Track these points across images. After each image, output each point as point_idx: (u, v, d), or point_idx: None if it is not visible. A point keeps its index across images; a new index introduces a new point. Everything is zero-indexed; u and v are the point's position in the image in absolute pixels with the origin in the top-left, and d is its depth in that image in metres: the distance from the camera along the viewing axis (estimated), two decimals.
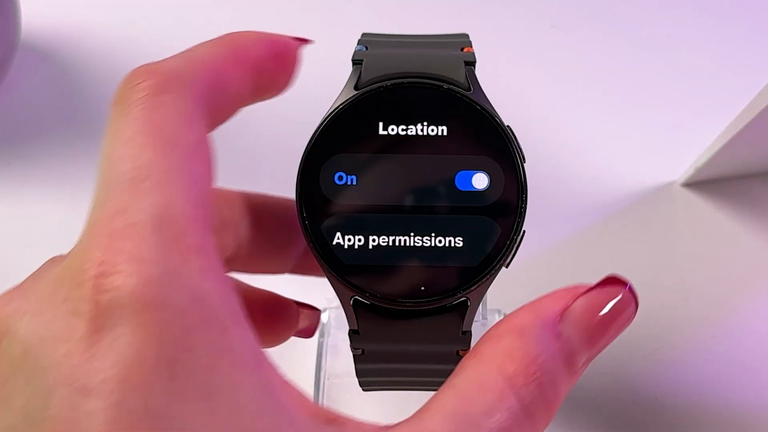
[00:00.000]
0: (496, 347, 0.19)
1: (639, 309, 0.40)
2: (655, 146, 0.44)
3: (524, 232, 0.22)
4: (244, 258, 0.25)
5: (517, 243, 0.22)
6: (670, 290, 0.39)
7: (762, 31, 0.48)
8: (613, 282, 0.20)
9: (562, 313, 0.20)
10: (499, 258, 0.21)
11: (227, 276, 0.17)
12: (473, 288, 0.21)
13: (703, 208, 0.41)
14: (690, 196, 0.42)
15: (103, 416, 0.14)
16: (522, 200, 0.22)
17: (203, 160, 0.18)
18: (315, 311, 0.28)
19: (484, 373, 0.18)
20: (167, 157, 0.17)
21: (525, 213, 0.22)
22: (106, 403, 0.14)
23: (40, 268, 0.18)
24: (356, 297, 0.22)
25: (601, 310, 0.20)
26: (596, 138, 0.44)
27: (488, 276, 0.21)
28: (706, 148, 0.40)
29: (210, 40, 0.21)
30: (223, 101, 0.20)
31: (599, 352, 0.20)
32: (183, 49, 0.21)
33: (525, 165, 0.22)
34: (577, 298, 0.20)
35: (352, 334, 0.22)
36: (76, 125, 0.45)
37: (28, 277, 0.18)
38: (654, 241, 0.41)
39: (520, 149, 0.22)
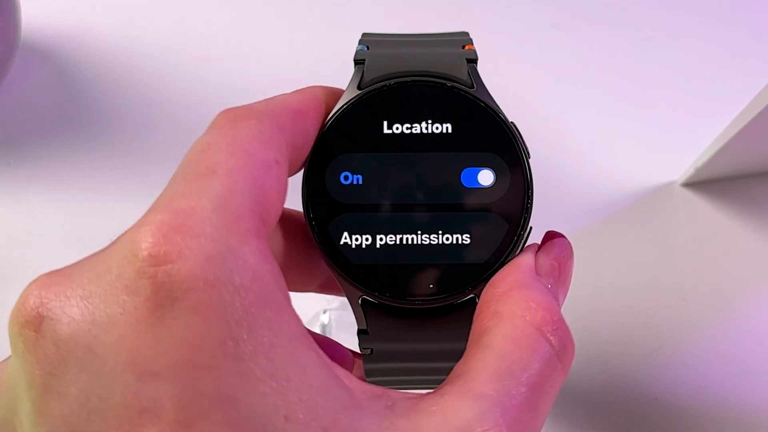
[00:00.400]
0: (511, 303, 0.20)
1: (639, 309, 0.40)
2: (655, 146, 0.44)
3: (531, 227, 0.22)
4: None
5: (525, 238, 0.22)
6: (670, 290, 0.39)
7: (762, 31, 0.48)
8: (553, 235, 0.22)
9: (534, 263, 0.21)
10: (507, 254, 0.22)
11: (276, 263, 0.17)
12: (482, 285, 0.21)
13: (703, 208, 0.42)
14: (690, 196, 0.42)
15: (173, 402, 0.13)
16: (528, 196, 0.22)
17: (272, 175, 0.18)
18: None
19: (515, 328, 0.19)
20: (237, 161, 0.17)
21: (532, 208, 0.22)
22: (175, 388, 0.14)
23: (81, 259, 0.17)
24: (364, 296, 0.22)
25: (557, 259, 0.21)
26: (596, 138, 0.44)
27: (496, 273, 0.22)
28: (706, 148, 0.40)
29: (293, 91, 0.22)
30: (303, 139, 0.21)
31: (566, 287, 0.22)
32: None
33: (530, 161, 0.22)
34: (536, 254, 0.21)
35: (361, 333, 0.22)
36: (76, 125, 0.45)
37: (68, 265, 0.17)
38: (654, 241, 0.41)
39: (525, 145, 0.22)
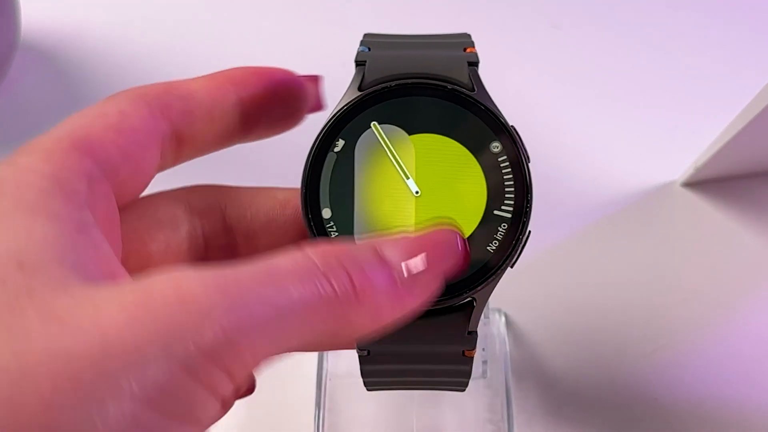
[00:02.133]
0: (305, 246, 0.19)
1: (639, 309, 0.40)
2: (655, 146, 0.44)
3: (530, 232, 0.22)
4: (239, 245, 0.25)
5: (523, 243, 0.22)
6: (670, 290, 0.39)
7: (762, 31, 0.48)
8: (443, 229, 0.21)
9: (388, 243, 0.20)
10: (505, 258, 0.22)
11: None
12: (479, 288, 0.21)
13: (703, 208, 0.42)
14: (690, 196, 0.42)
15: None
16: (527, 200, 0.22)
17: (107, 120, 0.21)
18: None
19: (289, 254, 0.18)
20: (68, 120, 0.20)
21: (530, 212, 0.22)
22: None
23: None
24: None
25: (425, 244, 0.20)
26: (596, 138, 0.44)
27: (494, 276, 0.22)
28: (706, 148, 0.40)
29: (203, 76, 0.23)
30: (183, 104, 0.22)
31: (424, 283, 0.20)
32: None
33: (530, 164, 0.22)
34: (407, 235, 0.20)
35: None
36: None
37: None
38: (654, 241, 0.41)
39: (525, 149, 0.22)
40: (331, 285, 0.17)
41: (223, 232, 0.25)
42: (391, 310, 0.19)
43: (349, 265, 0.18)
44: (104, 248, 0.18)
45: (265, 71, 0.23)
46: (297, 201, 0.26)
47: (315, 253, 0.18)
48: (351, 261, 0.18)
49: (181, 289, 0.16)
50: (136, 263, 0.22)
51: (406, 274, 0.19)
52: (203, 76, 0.23)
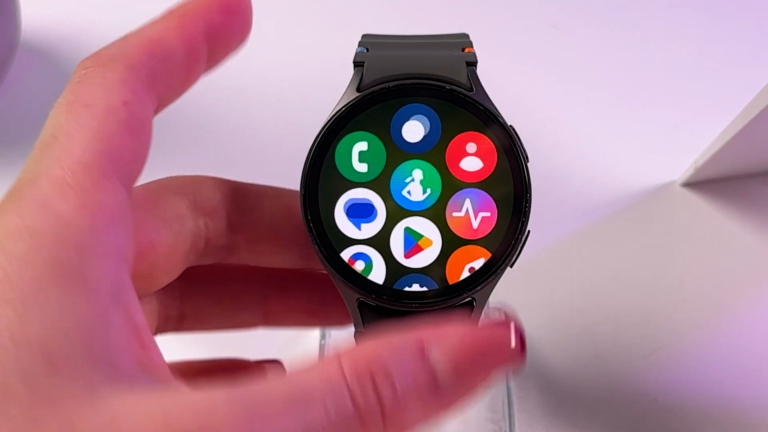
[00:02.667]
0: (345, 350, 0.18)
1: (639, 309, 0.40)
2: (655, 146, 0.44)
3: (529, 231, 0.22)
4: (239, 247, 0.25)
5: (523, 242, 0.22)
6: (670, 290, 0.39)
7: (762, 30, 0.48)
8: (500, 322, 0.19)
9: (436, 338, 0.18)
10: (504, 257, 0.22)
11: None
12: (479, 288, 0.21)
13: (703, 208, 0.42)
14: (690, 196, 0.42)
15: None
16: (526, 200, 0.22)
17: (118, 118, 0.19)
18: (278, 364, 0.28)
19: (323, 364, 0.17)
20: (77, 119, 0.19)
21: (530, 212, 0.22)
22: None
23: None
24: (361, 299, 0.22)
25: (477, 342, 0.18)
26: (596, 138, 0.44)
27: (494, 276, 0.22)
28: (706, 148, 0.40)
29: (160, 15, 0.23)
30: (167, 69, 0.21)
31: (471, 381, 0.18)
32: None
33: (528, 164, 0.22)
34: (458, 328, 0.18)
35: (358, 336, 0.22)
36: None
37: None
38: (654, 241, 0.41)
39: (524, 149, 0.22)
40: (357, 405, 0.17)
41: (225, 232, 0.25)
42: (424, 417, 0.18)
43: (381, 381, 0.17)
44: (137, 320, 0.18)
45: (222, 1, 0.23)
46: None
47: (348, 364, 0.17)
48: (384, 375, 0.17)
49: (207, 417, 0.15)
50: (139, 262, 0.22)
51: (450, 382, 0.18)
52: (174, 21, 0.22)
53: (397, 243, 0.22)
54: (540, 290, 0.39)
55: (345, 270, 0.22)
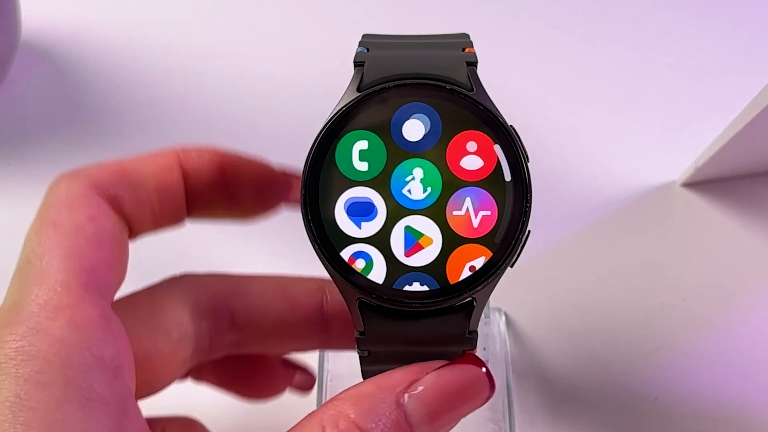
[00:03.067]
0: (326, 411, 0.20)
1: (639, 309, 0.40)
2: (655, 146, 0.44)
3: (529, 231, 0.22)
4: (248, 342, 0.26)
5: (523, 242, 0.22)
6: (670, 290, 0.39)
7: (762, 31, 0.48)
8: (469, 361, 0.21)
9: (410, 385, 0.20)
10: (504, 257, 0.22)
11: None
12: (479, 288, 0.21)
13: (703, 208, 0.42)
14: (690, 196, 0.42)
15: None
16: (527, 200, 0.22)
17: (86, 233, 0.21)
18: (306, 373, 0.29)
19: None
20: (48, 240, 0.20)
21: (530, 212, 0.22)
22: None
23: None
24: (362, 298, 0.22)
25: (449, 387, 0.20)
26: (596, 138, 0.44)
27: (494, 276, 0.21)
28: (706, 148, 0.40)
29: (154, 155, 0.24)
30: (135, 195, 0.23)
31: (445, 426, 0.20)
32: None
33: (529, 164, 0.22)
34: (429, 372, 0.21)
35: (359, 335, 0.22)
36: (76, 125, 0.45)
37: None
38: (654, 241, 0.41)
39: (524, 149, 0.22)
40: None
41: (230, 329, 0.26)
42: None
43: None
44: (143, 426, 0.19)
45: (217, 155, 0.24)
46: (307, 300, 0.27)
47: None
48: None
49: None
50: (138, 372, 0.22)
51: (426, 429, 0.20)
52: (154, 156, 0.23)
53: (397, 241, 0.22)
54: (540, 290, 0.39)
55: (345, 269, 0.22)
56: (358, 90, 0.22)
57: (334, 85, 0.24)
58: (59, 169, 0.43)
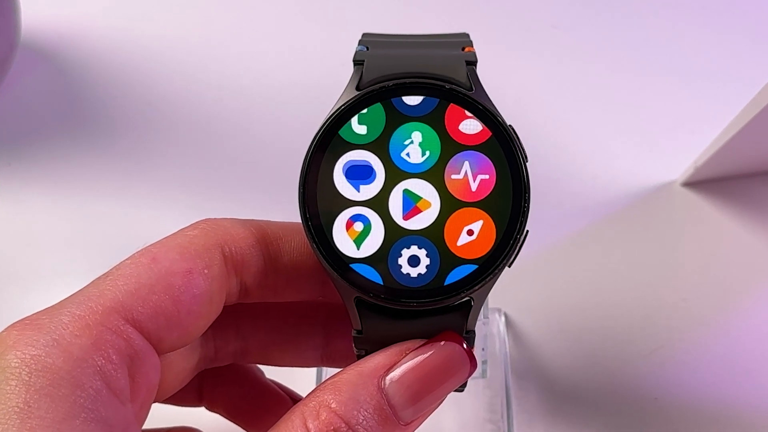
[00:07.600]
0: (308, 403, 0.20)
1: (639, 309, 0.40)
2: (655, 146, 0.44)
3: (527, 231, 0.22)
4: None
5: (521, 242, 0.22)
6: (670, 290, 0.39)
7: (762, 31, 0.48)
8: (447, 338, 0.21)
9: (390, 368, 0.20)
10: (502, 257, 0.21)
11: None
12: (477, 288, 0.21)
13: (703, 208, 0.42)
14: (690, 195, 0.42)
15: None
16: (525, 199, 0.22)
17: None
18: None
19: (289, 428, 0.19)
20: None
21: (528, 212, 0.22)
22: None
23: None
24: (359, 296, 0.22)
25: (428, 366, 0.21)
26: (596, 138, 0.44)
27: (492, 276, 0.21)
28: (706, 147, 0.40)
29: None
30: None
31: (430, 406, 0.21)
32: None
33: (528, 164, 0.22)
34: (408, 353, 0.21)
35: (356, 334, 0.22)
36: (76, 125, 0.45)
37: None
38: (654, 240, 0.41)
39: (523, 148, 0.22)
40: None
41: (235, 338, 0.27)
42: None
43: None
44: None
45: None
46: (311, 315, 0.27)
47: (314, 426, 0.19)
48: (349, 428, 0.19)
49: None
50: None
51: (410, 413, 0.20)
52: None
53: (395, 205, 0.22)
54: (540, 290, 0.39)
55: (343, 268, 0.22)
56: (358, 89, 0.22)
57: (333, 84, 0.24)
58: (59, 169, 0.43)
